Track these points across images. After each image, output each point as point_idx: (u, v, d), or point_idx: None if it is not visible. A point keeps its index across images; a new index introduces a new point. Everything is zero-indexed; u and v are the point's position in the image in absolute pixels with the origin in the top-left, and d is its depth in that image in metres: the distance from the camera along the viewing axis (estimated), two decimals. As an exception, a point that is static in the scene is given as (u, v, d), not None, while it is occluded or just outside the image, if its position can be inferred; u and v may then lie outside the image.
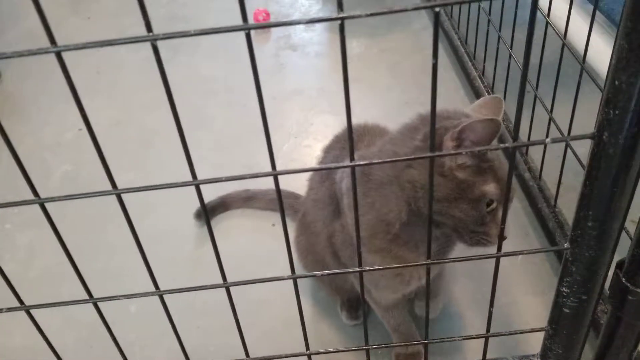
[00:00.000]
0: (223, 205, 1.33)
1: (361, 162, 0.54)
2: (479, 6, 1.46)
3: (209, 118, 1.61)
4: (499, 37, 1.31)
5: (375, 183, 0.78)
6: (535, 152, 1.23)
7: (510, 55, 1.24)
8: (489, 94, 1.44)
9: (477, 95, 1.49)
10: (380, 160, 0.56)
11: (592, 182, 0.55)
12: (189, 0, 2.20)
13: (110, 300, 0.62)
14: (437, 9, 0.45)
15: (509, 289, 1.08)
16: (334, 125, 1.56)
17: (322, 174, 0.95)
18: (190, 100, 1.71)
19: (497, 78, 1.42)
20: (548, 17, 1.06)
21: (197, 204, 1.30)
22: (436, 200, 0.72)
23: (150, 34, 0.45)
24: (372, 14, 0.45)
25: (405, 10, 0.45)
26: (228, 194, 1.33)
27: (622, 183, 0.54)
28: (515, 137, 0.53)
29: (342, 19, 0.45)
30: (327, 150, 1.03)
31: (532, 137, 1.20)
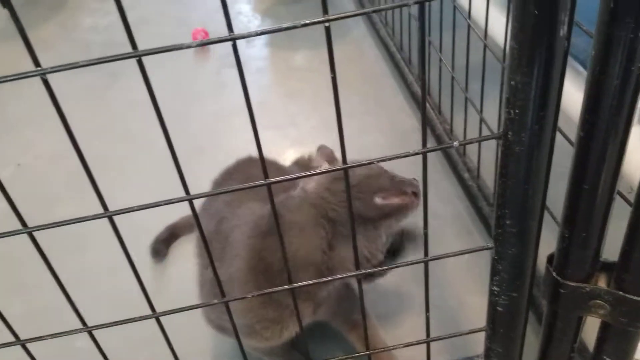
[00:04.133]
0: (173, 235, 1.31)
1: (278, 179, 0.54)
2: (409, 13, 1.48)
3: (150, 142, 1.58)
4: (429, 42, 1.33)
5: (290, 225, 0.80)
6: (473, 153, 1.25)
7: (440, 59, 1.26)
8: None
9: (415, 99, 1.50)
10: (296, 175, 0.56)
11: (504, 181, 0.56)
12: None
13: (39, 340, 0.61)
14: (326, 24, 0.45)
15: (456, 291, 1.09)
16: (277, 139, 1.56)
17: (210, 211, 0.93)
18: (131, 126, 1.69)
19: (432, 82, 1.44)
20: (469, 19, 1.08)
21: (149, 231, 1.29)
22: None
23: (39, 68, 0.44)
24: (262, 32, 0.45)
25: (295, 27, 0.45)
26: (175, 224, 1.31)
27: (533, 180, 0.55)
28: (424, 144, 0.54)
29: (234, 39, 0.45)
30: (218, 185, 1.04)
31: (467, 137, 1.22)
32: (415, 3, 0.44)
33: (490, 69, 1.07)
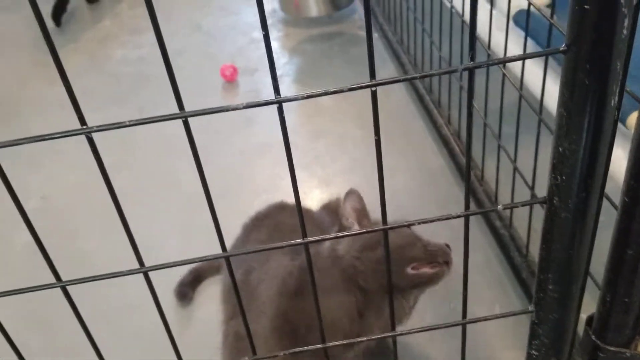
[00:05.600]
0: (197, 278, 1.28)
1: (315, 238, 0.53)
2: (439, 55, 1.48)
3: (177, 178, 1.59)
4: (460, 86, 1.33)
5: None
6: (504, 199, 1.23)
7: (472, 105, 1.24)
8: (455, 141, 1.44)
9: (445, 142, 1.50)
10: (334, 235, 0.55)
11: (548, 246, 0.55)
12: (155, 59, 2.20)
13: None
14: (373, 89, 0.44)
15: (488, 344, 1.06)
16: (304, 179, 1.55)
17: (236, 258, 0.92)
18: (157, 161, 1.70)
19: (462, 125, 1.43)
20: (504, 68, 1.08)
21: (172, 275, 1.28)
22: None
23: (85, 127, 0.44)
24: (308, 96, 0.45)
25: (342, 91, 0.44)
26: (199, 266, 1.28)
27: (578, 246, 0.53)
28: (467, 206, 0.53)
29: (280, 102, 0.45)
30: (248, 230, 1.02)
31: (499, 184, 1.20)
32: (465, 70, 0.44)
33: (524, 114, 1.06)
